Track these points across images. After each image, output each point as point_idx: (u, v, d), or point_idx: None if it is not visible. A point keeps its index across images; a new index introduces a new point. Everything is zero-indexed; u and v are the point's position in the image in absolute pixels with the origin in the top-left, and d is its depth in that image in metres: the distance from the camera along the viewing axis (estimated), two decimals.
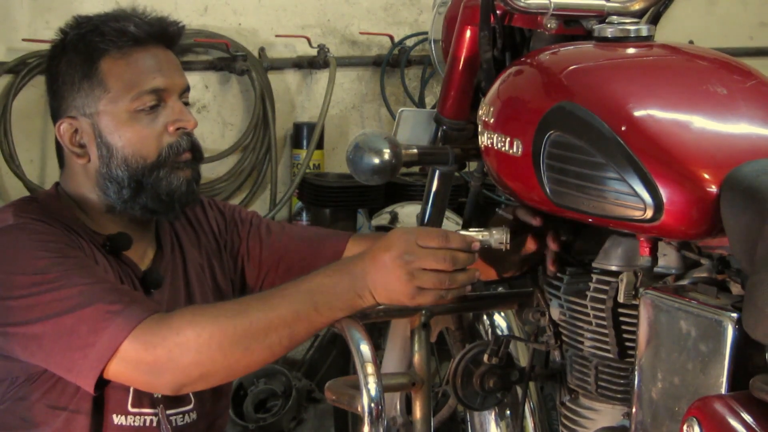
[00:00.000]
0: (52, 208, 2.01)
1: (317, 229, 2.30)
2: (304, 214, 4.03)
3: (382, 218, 2.94)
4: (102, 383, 1.85)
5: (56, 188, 2.08)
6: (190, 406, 2.07)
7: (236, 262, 2.22)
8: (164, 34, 2.03)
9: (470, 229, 1.83)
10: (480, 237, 1.82)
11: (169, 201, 2.01)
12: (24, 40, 3.70)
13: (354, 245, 2.19)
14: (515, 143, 1.76)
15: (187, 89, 2.06)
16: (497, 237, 1.83)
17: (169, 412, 2.03)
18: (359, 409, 1.75)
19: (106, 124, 1.99)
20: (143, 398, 1.99)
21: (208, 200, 2.25)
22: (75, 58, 2.00)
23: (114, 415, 1.98)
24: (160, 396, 2.01)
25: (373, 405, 1.74)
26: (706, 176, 1.56)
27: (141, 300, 1.89)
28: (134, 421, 1.99)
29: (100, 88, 1.98)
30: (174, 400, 2.03)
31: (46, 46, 3.63)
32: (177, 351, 1.78)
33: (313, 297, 1.79)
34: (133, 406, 1.99)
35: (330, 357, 3.69)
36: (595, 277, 1.82)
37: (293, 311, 1.79)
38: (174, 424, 2.03)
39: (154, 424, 2.01)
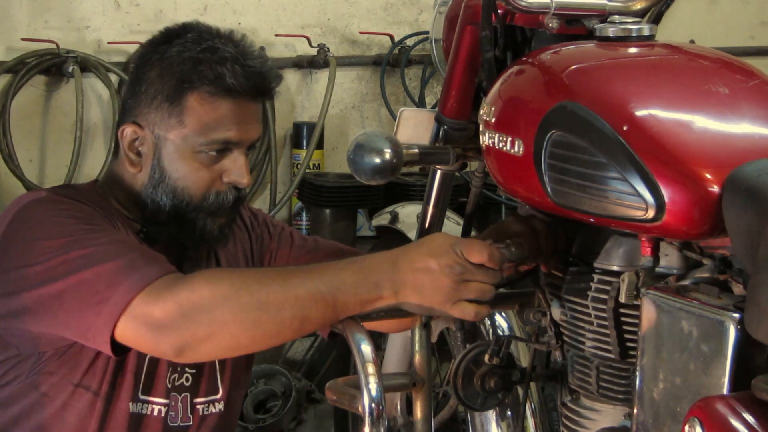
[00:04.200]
0: (90, 194, 2.02)
1: (344, 246, 2.30)
2: (304, 214, 4.03)
3: (382, 218, 2.93)
4: (121, 348, 1.83)
5: (95, 183, 2.09)
6: (218, 396, 2.07)
7: (263, 258, 2.22)
8: (258, 91, 2.02)
9: (494, 244, 1.85)
10: (507, 254, 1.84)
11: (199, 240, 2.03)
12: (23, 39, 3.70)
13: None
14: (516, 143, 1.75)
15: (257, 140, 2.06)
16: (516, 252, 1.86)
17: (197, 400, 2.04)
18: (360, 409, 1.75)
19: (168, 153, 1.99)
20: (166, 385, 2.00)
21: (246, 204, 2.25)
22: (166, 77, 1.98)
23: (130, 403, 1.99)
24: (189, 383, 2.02)
25: (373, 405, 1.73)
26: (708, 176, 1.55)
27: (162, 260, 1.88)
28: (144, 409, 2.01)
29: (176, 119, 1.98)
30: (203, 389, 2.04)
31: (45, 46, 3.69)
32: (188, 306, 1.76)
33: (334, 293, 1.77)
34: (149, 393, 2.00)
35: (330, 357, 3.69)
36: (596, 277, 1.81)
37: (311, 298, 1.77)
38: (200, 413, 2.04)
39: (177, 410, 2.02)
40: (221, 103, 1.98)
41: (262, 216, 2.26)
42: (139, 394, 2.00)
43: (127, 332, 1.80)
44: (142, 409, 2.00)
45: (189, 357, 1.82)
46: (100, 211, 1.96)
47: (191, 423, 2.04)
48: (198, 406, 2.04)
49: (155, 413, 2.01)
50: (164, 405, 2.02)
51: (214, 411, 2.07)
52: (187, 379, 2.03)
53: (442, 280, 1.76)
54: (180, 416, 2.03)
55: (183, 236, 2.02)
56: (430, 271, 1.76)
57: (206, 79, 1.96)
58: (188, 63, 1.97)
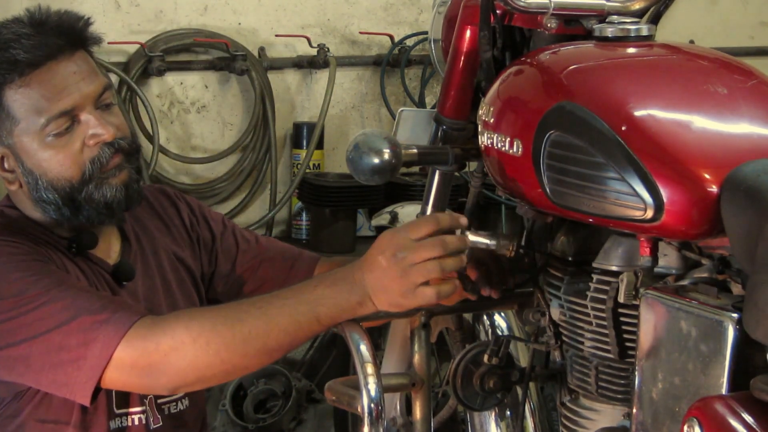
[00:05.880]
0: (12, 219, 1.98)
1: (288, 245, 2.27)
2: (304, 214, 4.03)
3: (382, 218, 2.94)
4: (96, 392, 1.84)
5: (8, 200, 2.03)
6: (182, 393, 2.06)
7: (210, 256, 2.19)
8: (64, 45, 1.93)
9: (478, 232, 1.84)
10: (486, 240, 1.83)
11: (109, 211, 1.96)
12: None
13: (321, 269, 2.18)
14: (515, 143, 1.76)
15: (105, 89, 1.97)
16: (503, 242, 1.85)
17: (161, 401, 2.03)
18: (359, 409, 1.75)
19: (25, 153, 1.92)
20: (131, 398, 1.99)
21: (175, 192, 2.21)
22: None
23: (109, 422, 1.97)
24: None
25: (373, 405, 1.73)
26: (707, 176, 1.55)
27: (126, 305, 1.87)
28: (122, 422, 2.00)
29: (9, 120, 1.91)
30: None
31: None
32: (173, 355, 1.77)
33: (315, 309, 1.77)
34: (126, 406, 1.99)
35: (330, 357, 3.69)
36: (595, 277, 1.81)
37: (295, 322, 1.78)
38: (167, 413, 2.04)
39: (143, 421, 2.01)
40: (34, 79, 1.90)
41: (198, 209, 2.20)
42: (115, 409, 1.98)
43: (116, 381, 1.82)
44: (122, 422, 1.99)
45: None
46: (32, 244, 1.91)
47: (161, 424, 2.03)
48: (163, 407, 2.04)
49: (136, 423, 2.00)
50: (142, 412, 2.01)
51: (182, 408, 2.06)
52: None
53: (392, 271, 1.73)
54: (152, 419, 2.03)
55: (95, 217, 1.95)
56: (381, 268, 1.74)
57: (4, 69, 1.89)
58: None
